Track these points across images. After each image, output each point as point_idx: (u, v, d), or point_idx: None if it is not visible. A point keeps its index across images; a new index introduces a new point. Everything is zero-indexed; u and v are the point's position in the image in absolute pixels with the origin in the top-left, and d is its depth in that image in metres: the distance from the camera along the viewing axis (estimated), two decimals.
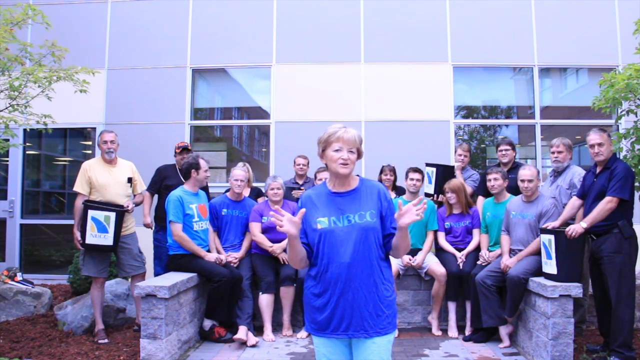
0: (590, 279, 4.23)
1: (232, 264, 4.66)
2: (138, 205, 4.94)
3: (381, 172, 5.46)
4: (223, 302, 4.40)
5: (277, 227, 2.05)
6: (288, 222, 2.05)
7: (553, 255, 3.89)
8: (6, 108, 4.61)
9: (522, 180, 4.32)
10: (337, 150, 2.15)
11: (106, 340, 4.41)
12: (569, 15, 6.82)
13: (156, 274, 4.98)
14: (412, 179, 4.89)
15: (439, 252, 4.94)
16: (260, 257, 4.81)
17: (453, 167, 5.45)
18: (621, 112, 4.46)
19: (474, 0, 6.91)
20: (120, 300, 5.14)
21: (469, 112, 7.22)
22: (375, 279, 2.14)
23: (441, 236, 4.94)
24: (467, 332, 4.58)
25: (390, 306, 2.17)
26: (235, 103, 7.58)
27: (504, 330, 4.32)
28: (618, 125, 5.81)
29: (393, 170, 5.46)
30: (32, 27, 5.35)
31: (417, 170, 4.95)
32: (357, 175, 2.30)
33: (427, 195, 5.32)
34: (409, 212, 2.04)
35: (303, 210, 2.12)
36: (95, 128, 6.99)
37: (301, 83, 6.90)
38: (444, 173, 5.31)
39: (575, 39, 6.77)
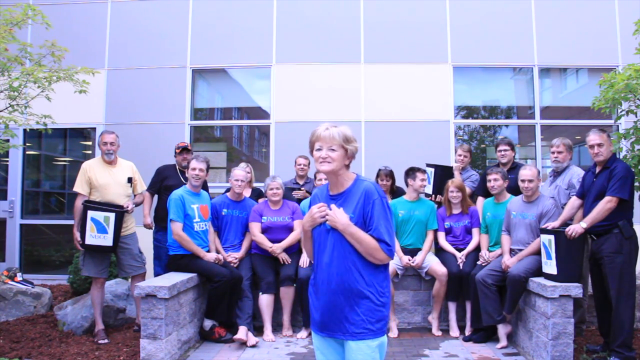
0: (590, 279, 4.23)
1: (232, 264, 4.66)
2: (138, 206, 4.93)
3: (377, 176, 5.40)
4: (223, 302, 4.40)
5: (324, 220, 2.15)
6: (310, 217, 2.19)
7: (553, 255, 3.89)
8: (6, 108, 4.60)
9: (523, 180, 4.32)
10: (318, 150, 2.17)
11: (106, 341, 4.41)
12: (569, 15, 6.82)
13: (156, 274, 4.97)
14: (422, 179, 4.88)
15: (439, 252, 4.95)
16: (260, 257, 4.81)
17: (451, 167, 5.45)
18: (621, 112, 4.46)
19: (474, 0, 6.91)
20: (120, 301, 5.14)
21: (469, 112, 7.22)
22: (352, 284, 2.10)
23: (441, 236, 4.95)
24: (467, 332, 4.58)
25: (371, 311, 2.10)
26: (235, 103, 7.58)
27: (502, 330, 4.32)
28: (618, 126, 5.81)
29: (389, 175, 5.29)
30: (32, 27, 5.34)
31: (421, 170, 4.95)
32: (355, 174, 2.25)
33: (426, 195, 5.32)
34: (310, 215, 2.18)
35: (323, 205, 2.18)
36: (95, 128, 6.98)
37: (301, 83, 6.90)
38: (442, 173, 5.32)
39: (575, 39, 6.77)
